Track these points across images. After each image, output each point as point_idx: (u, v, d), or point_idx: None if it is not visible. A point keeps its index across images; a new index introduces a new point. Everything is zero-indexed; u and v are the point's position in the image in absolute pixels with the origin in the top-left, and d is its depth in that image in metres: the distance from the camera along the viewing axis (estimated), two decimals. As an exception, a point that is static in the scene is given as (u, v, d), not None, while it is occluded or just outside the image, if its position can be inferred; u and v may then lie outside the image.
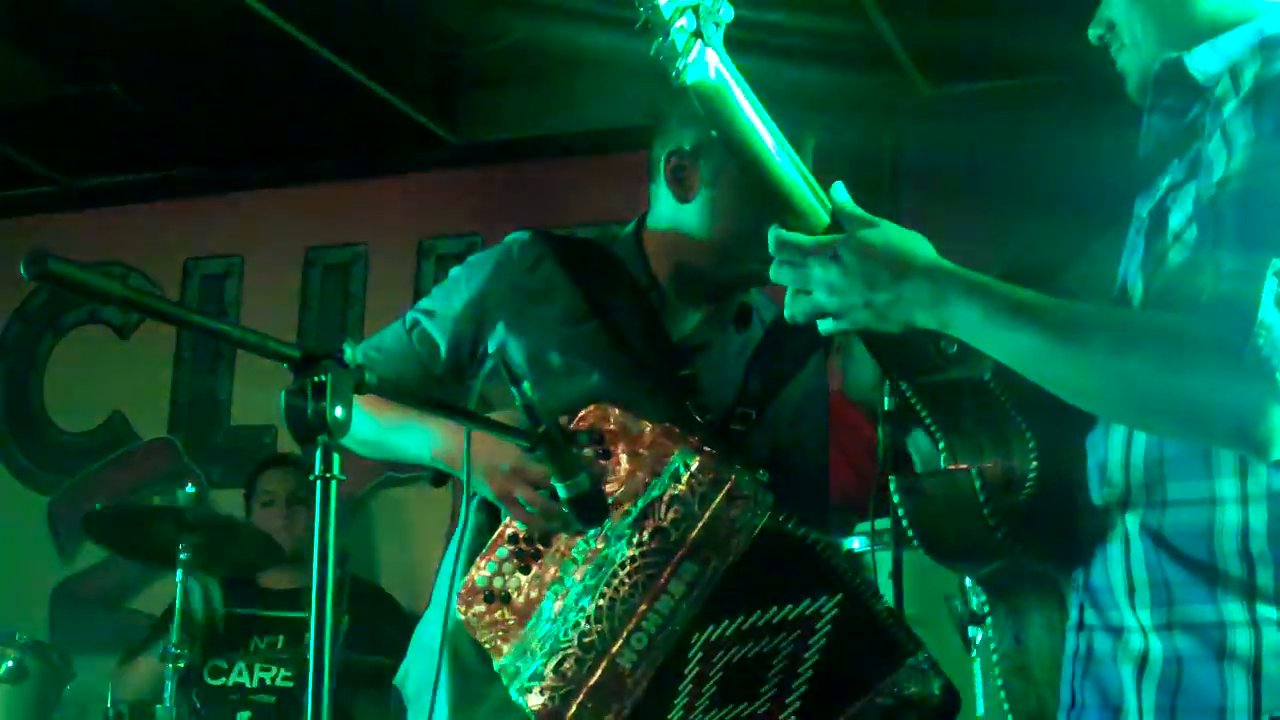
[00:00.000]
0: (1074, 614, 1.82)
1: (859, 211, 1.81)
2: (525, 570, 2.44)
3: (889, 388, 3.39)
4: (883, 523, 3.39)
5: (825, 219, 1.80)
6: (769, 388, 2.70)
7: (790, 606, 2.36)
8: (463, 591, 2.45)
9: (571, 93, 5.56)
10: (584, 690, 2.31)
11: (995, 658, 1.92)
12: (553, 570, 2.42)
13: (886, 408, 3.43)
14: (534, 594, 2.42)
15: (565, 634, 2.34)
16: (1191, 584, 1.66)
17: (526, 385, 2.20)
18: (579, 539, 2.40)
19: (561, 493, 2.27)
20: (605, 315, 2.64)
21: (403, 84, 5.53)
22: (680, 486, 2.36)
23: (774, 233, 1.79)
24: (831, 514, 2.98)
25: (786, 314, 1.81)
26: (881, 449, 3.37)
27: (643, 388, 2.58)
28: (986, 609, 1.93)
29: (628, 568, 2.34)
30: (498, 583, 2.44)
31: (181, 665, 4.30)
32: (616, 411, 2.44)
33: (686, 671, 2.32)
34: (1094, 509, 1.79)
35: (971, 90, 5.20)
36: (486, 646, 2.42)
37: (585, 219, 5.03)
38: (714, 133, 1.80)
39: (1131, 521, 1.72)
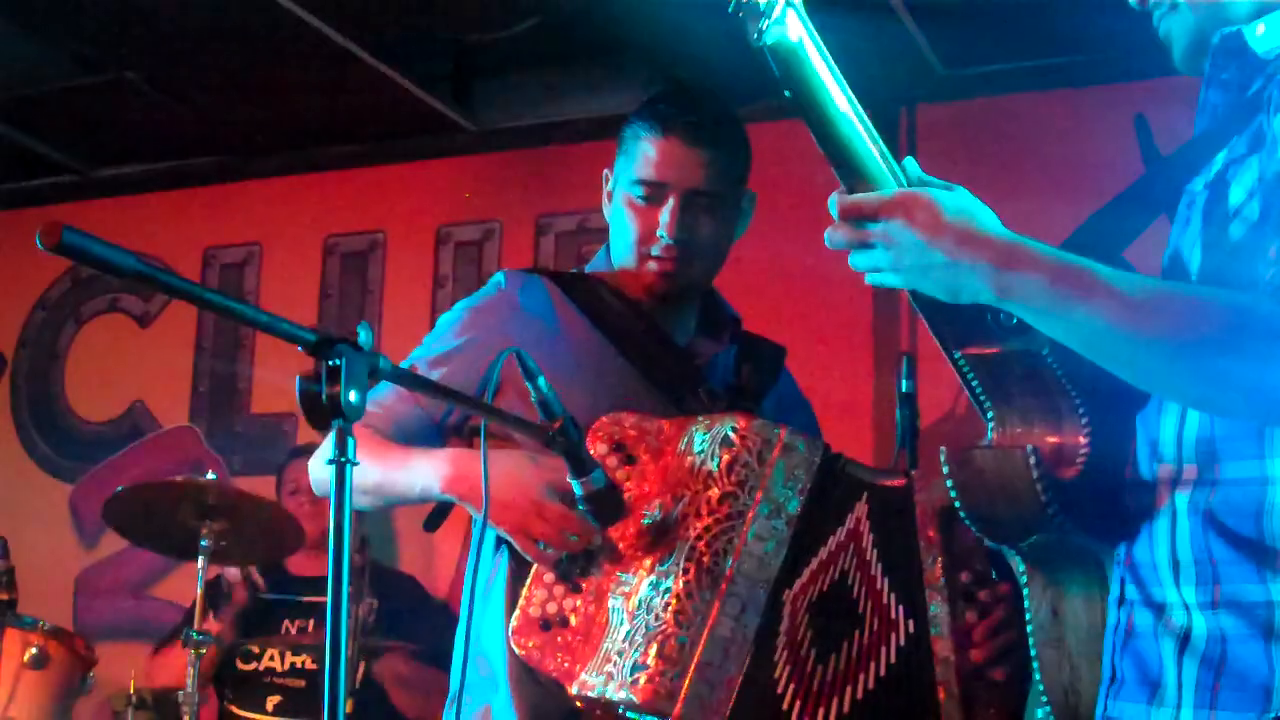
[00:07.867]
0: (1116, 589, 1.80)
1: (933, 180, 1.80)
2: (577, 589, 2.39)
3: (909, 369, 3.39)
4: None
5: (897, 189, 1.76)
6: (762, 382, 2.74)
7: (839, 529, 2.39)
8: (517, 628, 2.39)
9: (588, 78, 5.55)
10: (693, 664, 2.29)
11: (1030, 628, 1.90)
12: (608, 576, 2.39)
13: (904, 390, 3.42)
14: (592, 608, 2.37)
15: (657, 619, 2.31)
16: (1239, 563, 1.64)
17: (542, 380, 2.20)
18: (631, 533, 2.37)
19: (577, 489, 2.27)
20: (607, 330, 2.63)
21: (420, 70, 5.52)
22: (735, 449, 2.38)
23: (834, 198, 1.76)
24: None
25: (851, 263, 1.77)
26: (899, 430, 3.36)
27: (657, 395, 2.58)
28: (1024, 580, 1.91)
29: (704, 538, 2.34)
30: (551, 608, 2.38)
31: (204, 652, 4.32)
32: (630, 417, 2.45)
33: (780, 629, 2.33)
34: (1142, 485, 1.77)
35: (987, 71, 5.18)
36: (554, 675, 2.36)
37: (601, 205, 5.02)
38: (788, 93, 1.75)
39: (1180, 499, 1.70)
